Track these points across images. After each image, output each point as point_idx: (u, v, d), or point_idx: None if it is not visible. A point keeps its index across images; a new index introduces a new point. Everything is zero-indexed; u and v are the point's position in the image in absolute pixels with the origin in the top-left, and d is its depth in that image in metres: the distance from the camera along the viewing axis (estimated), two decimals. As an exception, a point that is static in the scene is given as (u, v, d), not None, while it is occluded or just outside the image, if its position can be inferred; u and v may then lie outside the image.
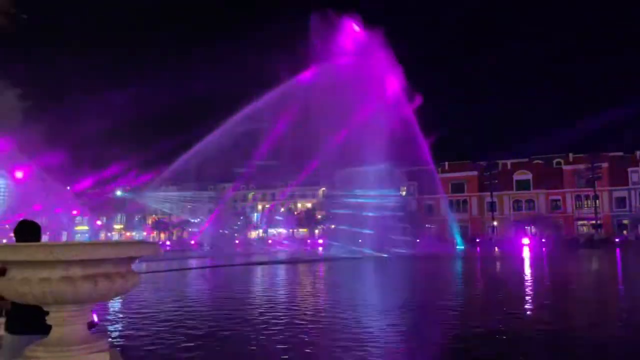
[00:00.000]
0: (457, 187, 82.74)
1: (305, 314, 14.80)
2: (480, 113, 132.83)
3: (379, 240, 52.32)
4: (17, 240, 4.22)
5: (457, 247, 61.63)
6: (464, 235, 68.53)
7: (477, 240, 68.22)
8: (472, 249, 58.12)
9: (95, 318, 9.19)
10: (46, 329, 2.92)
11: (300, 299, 19.35)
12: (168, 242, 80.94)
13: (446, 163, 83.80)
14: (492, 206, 76.62)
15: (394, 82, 59.56)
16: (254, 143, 61.25)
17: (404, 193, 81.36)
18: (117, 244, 2.90)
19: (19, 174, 62.12)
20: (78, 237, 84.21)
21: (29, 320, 3.43)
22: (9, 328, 3.85)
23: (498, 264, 38.27)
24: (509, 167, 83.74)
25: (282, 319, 13.59)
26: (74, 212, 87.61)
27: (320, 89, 53.05)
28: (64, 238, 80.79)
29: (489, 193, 76.35)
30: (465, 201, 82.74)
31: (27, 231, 4.27)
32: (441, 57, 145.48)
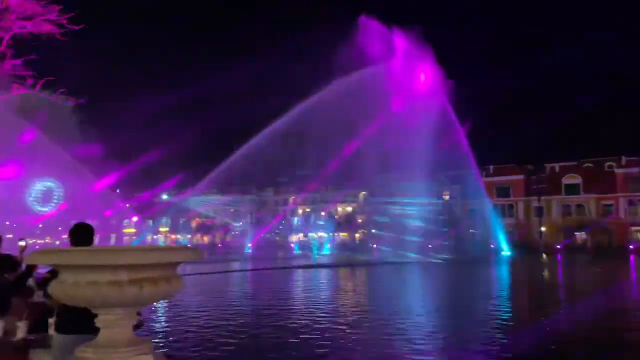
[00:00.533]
0: (503, 192, 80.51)
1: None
2: (525, 115, 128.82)
3: (422, 245, 51.77)
4: (72, 241, 4.41)
5: (503, 252, 60.03)
6: (510, 241, 66.64)
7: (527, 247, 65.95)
8: (519, 255, 56.43)
9: (141, 319, 9.44)
10: (94, 330, 3.01)
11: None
12: (220, 244, 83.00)
13: (491, 166, 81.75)
14: (539, 211, 74.17)
15: (439, 87, 58.86)
16: (296, 147, 61.64)
17: (447, 197, 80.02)
18: (163, 249, 2.96)
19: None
20: (126, 240, 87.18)
21: (79, 321, 3.54)
22: (58, 328, 4.00)
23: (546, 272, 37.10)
24: (557, 170, 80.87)
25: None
26: (134, 218, 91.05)
27: (360, 92, 52.95)
28: (112, 240, 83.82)
29: (536, 198, 73.96)
30: (511, 206, 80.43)
31: (81, 233, 4.46)
32: (484, 57, 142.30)
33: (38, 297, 6.19)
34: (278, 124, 57.01)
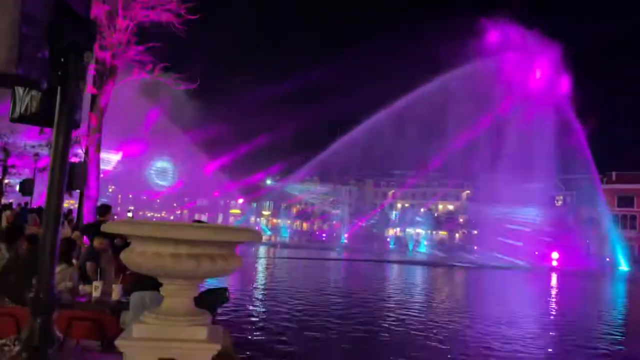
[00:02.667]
0: (625, 201, 73.00)
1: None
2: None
3: (528, 252, 48.91)
4: None
5: (620, 267, 54.70)
6: (629, 255, 60.44)
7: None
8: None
9: (228, 295, 9.90)
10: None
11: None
12: (324, 235, 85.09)
13: (613, 173, 74.47)
14: (668, 225, 66.44)
15: (559, 86, 54.77)
16: (400, 140, 60.90)
17: (559, 203, 74.56)
18: (220, 228, 3.12)
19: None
20: (231, 220, 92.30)
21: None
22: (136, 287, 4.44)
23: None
24: (693, 180, 71.65)
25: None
26: (240, 200, 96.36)
27: (471, 86, 50.90)
28: (219, 219, 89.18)
29: (664, 210, 66.29)
30: (633, 217, 72.74)
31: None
32: (608, 59, 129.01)
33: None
34: (382, 116, 56.71)
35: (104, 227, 3.11)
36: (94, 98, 16.45)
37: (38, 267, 2.99)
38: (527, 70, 53.87)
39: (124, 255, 3.06)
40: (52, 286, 3.01)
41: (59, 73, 3.17)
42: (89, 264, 6.94)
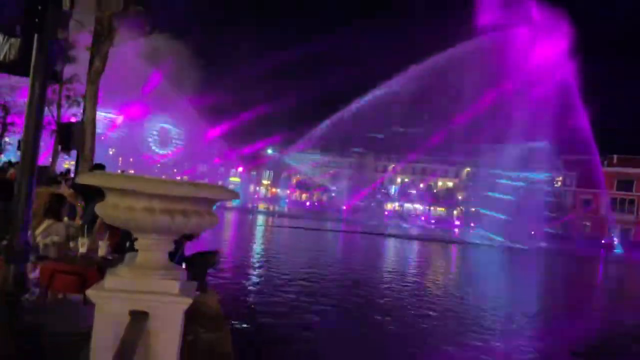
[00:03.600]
0: (625, 185, 73.05)
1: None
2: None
3: (518, 229, 49.02)
4: None
5: (615, 250, 55.13)
6: (624, 239, 60.89)
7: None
8: (634, 254, 51.42)
9: (218, 258, 9.92)
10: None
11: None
12: (311, 203, 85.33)
13: (615, 156, 74.32)
14: (666, 210, 66.68)
15: (564, 64, 54.03)
16: (400, 112, 60.53)
17: (559, 184, 74.67)
18: (195, 185, 3.11)
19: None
20: (231, 187, 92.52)
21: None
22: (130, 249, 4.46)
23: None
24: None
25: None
26: (240, 169, 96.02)
27: (476, 60, 50.30)
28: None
29: (663, 195, 66.41)
30: (632, 201, 72.93)
31: None
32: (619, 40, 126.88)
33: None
34: (383, 89, 56.25)
35: (79, 179, 3.11)
36: (92, 59, 16.28)
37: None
38: (534, 46, 53.07)
39: (98, 208, 3.06)
40: (25, 235, 3.02)
41: (36, 20, 3.11)
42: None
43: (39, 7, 3.09)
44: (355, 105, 60.84)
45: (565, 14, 51.16)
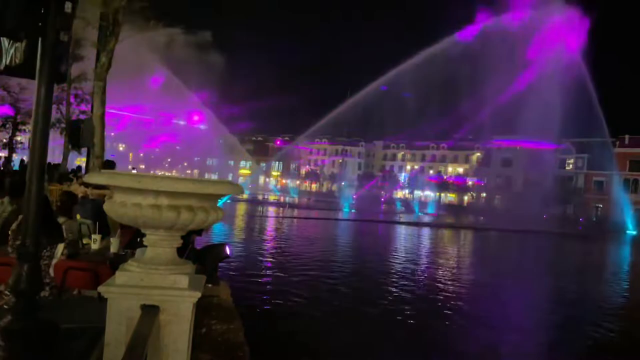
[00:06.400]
0: (638, 165, 72.14)
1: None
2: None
3: (536, 215, 49.07)
4: None
5: (628, 231, 54.71)
6: (638, 219, 60.27)
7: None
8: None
9: (229, 251, 10.07)
10: None
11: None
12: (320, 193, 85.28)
13: (626, 136, 73.34)
14: (679, 190, 65.79)
15: (574, 41, 53.20)
16: (410, 102, 60.27)
17: (570, 166, 74.07)
18: (200, 181, 3.16)
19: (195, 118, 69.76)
20: (241, 181, 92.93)
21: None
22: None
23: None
24: None
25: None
26: (249, 161, 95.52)
27: (486, 45, 49.81)
28: (229, 178, 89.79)
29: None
30: (645, 181, 72.07)
31: None
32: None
33: None
34: (392, 77, 55.85)
35: (87, 178, 3.18)
36: (98, 55, 16.35)
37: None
38: (545, 28, 52.39)
39: (106, 206, 3.13)
40: (37, 234, 3.10)
41: (40, 24, 3.17)
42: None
43: (42, 11, 3.14)
44: (363, 94, 60.48)
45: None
